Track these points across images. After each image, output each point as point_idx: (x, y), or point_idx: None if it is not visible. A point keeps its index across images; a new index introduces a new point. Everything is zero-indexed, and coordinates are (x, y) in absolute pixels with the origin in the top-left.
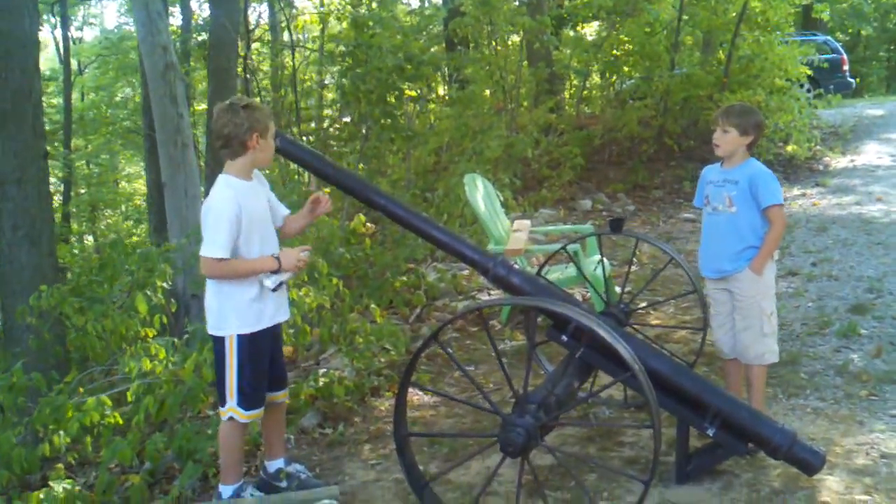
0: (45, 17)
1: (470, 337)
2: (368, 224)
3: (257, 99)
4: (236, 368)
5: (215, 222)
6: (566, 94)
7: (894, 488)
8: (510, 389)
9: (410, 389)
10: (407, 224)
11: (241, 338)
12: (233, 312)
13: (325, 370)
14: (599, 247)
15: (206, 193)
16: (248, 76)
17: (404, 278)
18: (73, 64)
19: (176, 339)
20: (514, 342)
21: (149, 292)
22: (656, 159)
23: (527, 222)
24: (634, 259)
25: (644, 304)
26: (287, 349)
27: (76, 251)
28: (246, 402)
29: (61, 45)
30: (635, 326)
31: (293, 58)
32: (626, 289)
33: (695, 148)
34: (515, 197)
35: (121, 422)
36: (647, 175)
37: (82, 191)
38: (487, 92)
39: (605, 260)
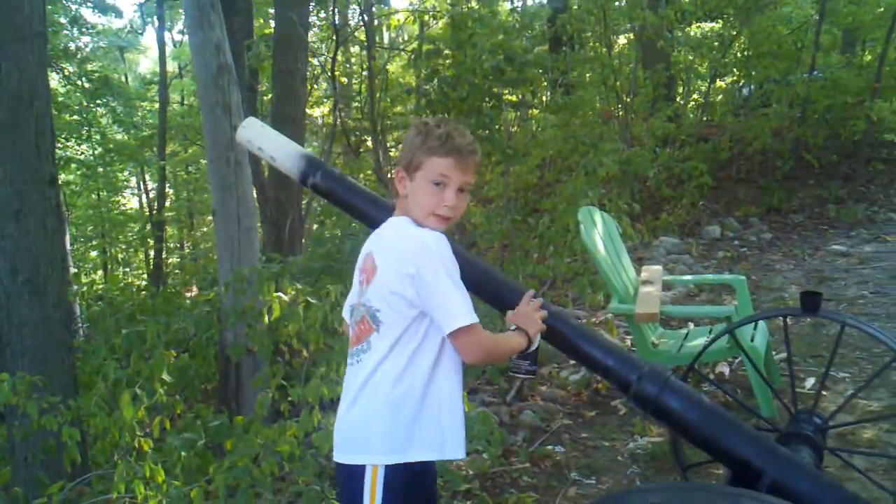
0: (147, 19)
1: (586, 426)
2: None
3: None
4: None
5: (451, 274)
6: (680, 100)
7: None
8: None
9: None
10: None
11: (390, 472)
12: (390, 431)
13: None
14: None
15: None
16: (333, 79)
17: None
18: (174, 67)
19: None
20: (647, 438)
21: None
22: (792, 177)
23: (658, 269)
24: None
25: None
26: None
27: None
28: None
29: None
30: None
31: (368, 58)
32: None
33: (838, 164)
34: (632, 223)
35: None
36: (783, 196)
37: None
38: (597, 98)
39: (761, 322)
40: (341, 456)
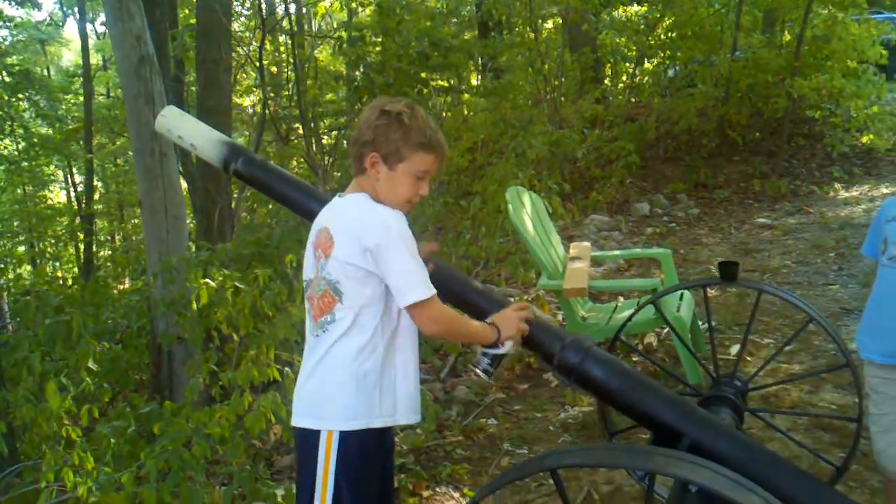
0: (67, 11)
1: (519, 399)
2: None
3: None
4: (331, 490)
5: (410, 250)
6: (607, 83)
7: None
8: None
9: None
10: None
11: (346, 438)
12: (349, 398)
13: None
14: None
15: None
16: (261, 68)
17: None
18: (98, 59)
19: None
20: (578, 408)
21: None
22: (717, 154)
23: (587, 245)
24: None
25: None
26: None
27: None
28: None
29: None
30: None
31: (292, 47)
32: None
33: (761, 141)
34: (563, 203)
35: None
36: (709, 173)
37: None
38: (524, 82)
39: (686, 293)
40: (299, 420)
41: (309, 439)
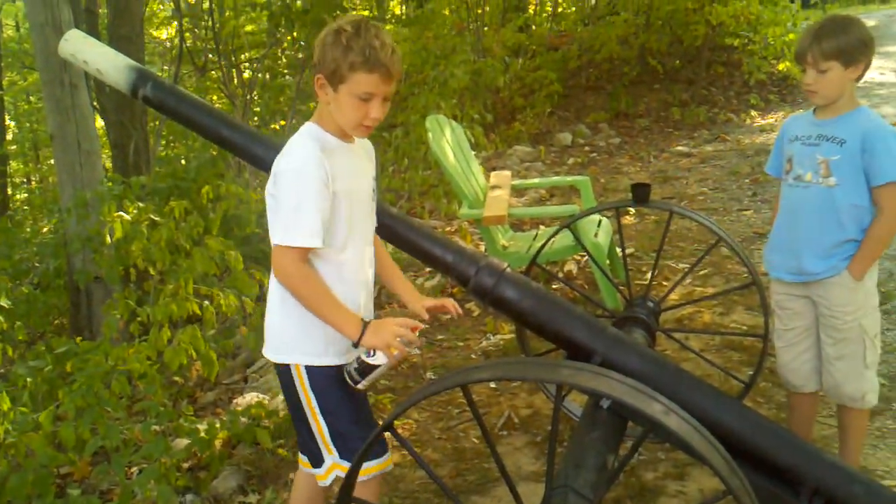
0: None
1: (441, 328)
2: None
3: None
4: (318, 407)
5: (299, 191)
6: (531, 11)
7: None
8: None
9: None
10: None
11: (311, 370)
12: (298, 334)
13: (253, 395)
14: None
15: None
16: None
17: None
18: None
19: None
20: (499, 336)
21: None
22: (639, 83)
23: (507, 174)
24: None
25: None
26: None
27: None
28: (350, 451)
29: None
30: (672, 334)
31: None
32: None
33: (680, 69)
34: (486, 134)
35: None
36: (630, 101)
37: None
38: (448, 11)
39: (604, 220)
40: (267, 353)
41: (282, 373)
